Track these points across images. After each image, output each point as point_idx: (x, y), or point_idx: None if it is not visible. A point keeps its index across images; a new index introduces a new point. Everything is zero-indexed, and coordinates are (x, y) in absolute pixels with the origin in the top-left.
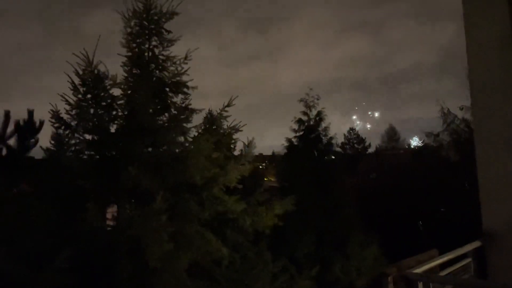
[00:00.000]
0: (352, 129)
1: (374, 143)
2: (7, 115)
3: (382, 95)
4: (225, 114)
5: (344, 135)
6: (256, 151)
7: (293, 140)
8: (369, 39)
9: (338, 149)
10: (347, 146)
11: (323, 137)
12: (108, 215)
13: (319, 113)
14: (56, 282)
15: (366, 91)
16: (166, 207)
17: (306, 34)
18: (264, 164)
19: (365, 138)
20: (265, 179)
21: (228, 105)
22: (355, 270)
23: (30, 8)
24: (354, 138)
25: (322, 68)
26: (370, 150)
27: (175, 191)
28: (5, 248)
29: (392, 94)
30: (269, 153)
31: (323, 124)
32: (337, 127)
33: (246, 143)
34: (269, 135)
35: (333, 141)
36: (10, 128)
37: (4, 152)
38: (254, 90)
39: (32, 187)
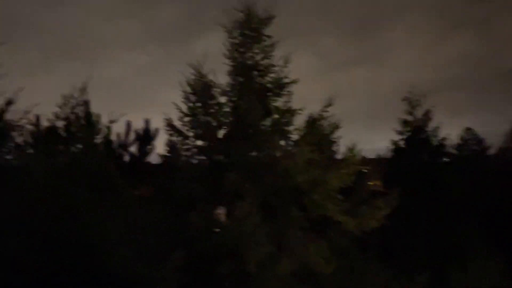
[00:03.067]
0: (468, 128)
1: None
2: (128, 125)
3: (493, 94)
4: (325, 114)
5: (459, 135)
6: (358, 155)
7: (399, 142)
8: (475, 37)
9: (453, 151)
10: (463, 148)
11: (433, 138)
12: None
13: (426, 112)
14: (171, 280)
15: (476, 90)
16: (266, 210)
17: (408, 36)
18: (368, 168)
19: (483, 139)
20: (369, 183)
21: (329, 105)
22: (476, 286)
23: (148, 34)
24: (472, 139)
25: (425, 69)
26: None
27: (277, 195)
28: (128, 247)
29: (506, 93)
30: (372, 156)
31: (432, 124)
32: (447, 128)
33: (349, 147)
34: (371, 138)
35: (446, 142)
36: (131, 136)
37: (126, 158)
38: (354, 95)
39: (150, 190)
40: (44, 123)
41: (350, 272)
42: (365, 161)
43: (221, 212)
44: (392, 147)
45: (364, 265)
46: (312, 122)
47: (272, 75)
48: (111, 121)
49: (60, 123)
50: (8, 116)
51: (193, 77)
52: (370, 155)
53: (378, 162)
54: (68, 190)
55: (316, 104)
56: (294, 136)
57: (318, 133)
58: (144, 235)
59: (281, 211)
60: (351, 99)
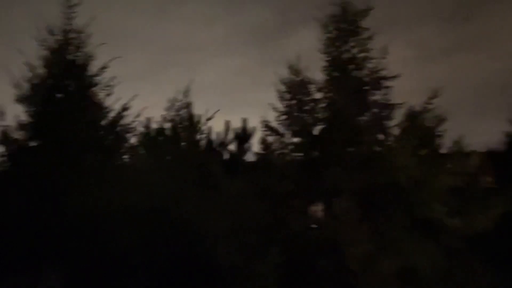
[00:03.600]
0: None
1: None
2: (227, 124)
3: None
4: (428, 107)
5: None
6: (467, 149)
7: None
8: None
9: None
10: None
11: None
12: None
13: None
14: (270, 275)
15: None
16: (365, 208)
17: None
18: (478, 163)
19: None
20: (480, 180)
21: (434, 97)
22: None
23: (241, 37)
24: None
25: None
26: None
27: (377, 192)
28: (230, 242)
29: None
30: (483, 150)
31: None
32: None
33: (455, 141)
34: (480, 130)
35: None
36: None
37: (226, 156)
38: (456, 85)
39: (248, 187)
40: (154, 125)
41: (461, 275)
42: (474, 155)
43: (318, 209)
44: (505, 139)
45: (475, 268)
46: (414, 116)
47: (369, 68)
48: (208, 119)
49: (168, 124)
50: (124, 120)
51: (287, 75)
52: (480, 148)
53: (489, 156)
54: (175, 186)
55: (416, 96)
56: (395, 131)
57: (421, 127)
58: (244, 231)
59: (382, 209)
60: (454, 89)
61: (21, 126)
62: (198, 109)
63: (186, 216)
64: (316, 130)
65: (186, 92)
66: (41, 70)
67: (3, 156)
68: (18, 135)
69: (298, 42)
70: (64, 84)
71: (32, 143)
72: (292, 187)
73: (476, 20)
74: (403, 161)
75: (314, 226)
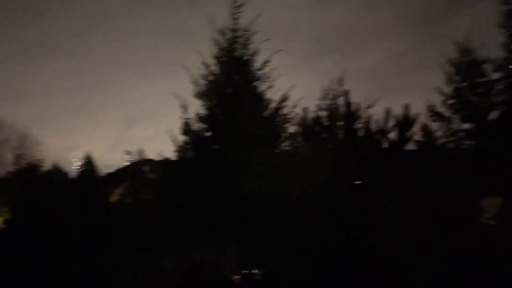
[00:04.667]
0: None
1: None
2: (387, 112)
3: None
4: None
5: None
6: None
7: None
8: None
9: None
10: None
11: None
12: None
13: None
14: (432, 272)
15: None
16: None
17: None
18: None
19: None
20: None
21: None
22: None
23: (401, 20)
24: None
25: None
26: None
27: None
28: (391, 233)
29: None
30: None
31: None
32: None
33: None
34: None
35: None
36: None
37: (385, 144)
38: None
39: (409, 177)
40: (310, 115)
41: None
42: None
43: (494, 202)
44: None
45: None
46: None
47: None
48: (369, 106)
49: (323, 113)
50: (283, 110)
51: (457, 55)
52: None
53: None
54: (332, 175)
55: None
56: None
57: None
58: (406, 222)
59: None
60: None
61: (200, 119)
62: (356, 97)
63: (344, 206)
64: (493, 115)
65: (341, 80)
66: (214, 68)
67: (187, 144)
68: (197, 127)
69: (468, 21)
70: (233, 80)
71: (208, 134)
72: (463, 179)
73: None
74: None
75: (491, 223)
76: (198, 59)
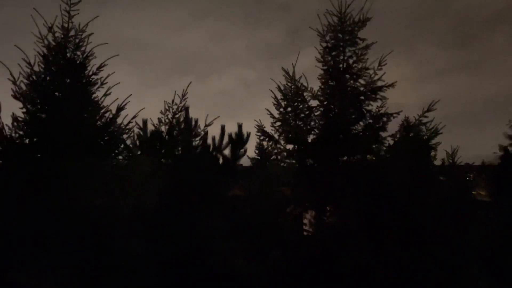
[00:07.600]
0: None
1: None
2: (222, 129)
3: None
4: (424, 120)
5: None
6: (460, 162)
7: (508, 147)
8: None
9: None
10: None
11: None
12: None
13: None
14: (267, 277)
15: None
16: (362, 217)
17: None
18: (471, 176)
19: None
20: (473, 193)
21: (428, 110)
22: None
23: (254, 52)
24: None
25: None
26: None
27: (372, 202)
28: (227, 244)
29: None
30: (477, 163)
31: None
32: None
33: (449, 154)
34: (474, 144)
35: None
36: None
37: (220, 160)
38: (454, 101)
39: (242, 191)
40: (150, 128)
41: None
42: (468, 168)
43: (311, 215)
44: (500, 153)
45: (470, 280)
46: (408, 127)
47: (365, 78)
48: (207, 125)
49: (164, 128)
50: (119, 120)
51: (284, 82)
52: (474, 161)
53: (483, 169)
54: (171, 188)
55: (413, 111)
56: (389, 142)
57: (415, 139)
58: (241, 234)
59: (376, 219)
60: (452, 105)
61: (17, 123)
62: (210, 116)
63: (191, 218)
64: (311, 137)
65: (183, 95)
66: (39, 68)
67: None
68: (12, 131)
69: (303, 59)
70: (63, 82)
71: (26, 141)
72: (286, 193)
73: (473, 43)
74: (397, 171)
75: (307, 233)
76: (19, 54)
